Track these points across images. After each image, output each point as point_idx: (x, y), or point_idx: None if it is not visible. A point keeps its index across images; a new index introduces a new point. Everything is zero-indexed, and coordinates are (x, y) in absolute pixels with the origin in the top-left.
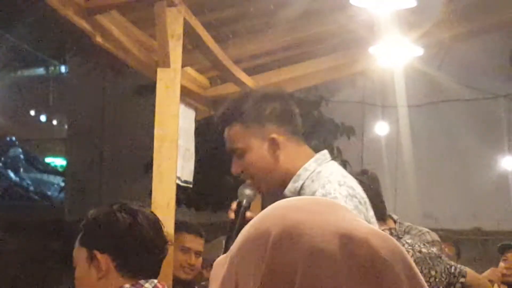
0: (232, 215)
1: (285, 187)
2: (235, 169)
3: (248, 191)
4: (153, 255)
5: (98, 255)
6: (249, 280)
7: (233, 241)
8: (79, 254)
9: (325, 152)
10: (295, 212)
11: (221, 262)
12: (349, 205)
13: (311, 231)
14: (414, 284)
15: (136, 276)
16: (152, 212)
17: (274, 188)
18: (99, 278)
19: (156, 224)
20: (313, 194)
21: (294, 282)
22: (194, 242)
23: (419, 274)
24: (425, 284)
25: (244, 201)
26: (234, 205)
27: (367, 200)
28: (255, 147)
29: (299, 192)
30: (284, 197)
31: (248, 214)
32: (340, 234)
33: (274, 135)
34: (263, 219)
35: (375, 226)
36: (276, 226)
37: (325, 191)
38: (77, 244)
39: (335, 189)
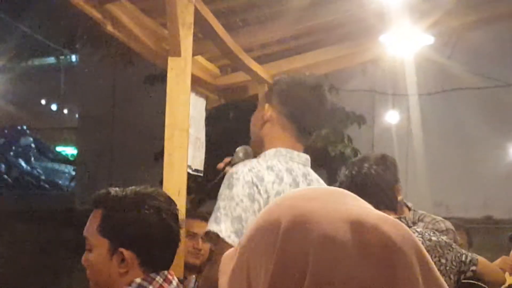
0: (220, 166)
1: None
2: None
3: (241, 154)
4: (174, 247)
5: (124, 252)
6: (260, 269)
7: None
8: (99, 243)
9: (293, 152)
10: (305, 201)
11: (230, 255)
12: (244, 190)
13: (321, 219)
14: (425, 270)
15: (156, 269)
16: (168, 198)
17: (256, 149)
18: (121, 272)
19: (176, 215)
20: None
21: (306, 270)
22: (199, 227)
23: (430, 259)
24: (436, 269)
25: (234, 158)
26: (227, 160)
27: (277, 194)
28: (258, 112)
29: None
30: None
31: (225, 169)
32: (350, 221)
33: (267, 105)
34: (273, 209)
35: None
36: (286, 216)
37: (234, 170)
38: (95, 231)
39: (243, 171)
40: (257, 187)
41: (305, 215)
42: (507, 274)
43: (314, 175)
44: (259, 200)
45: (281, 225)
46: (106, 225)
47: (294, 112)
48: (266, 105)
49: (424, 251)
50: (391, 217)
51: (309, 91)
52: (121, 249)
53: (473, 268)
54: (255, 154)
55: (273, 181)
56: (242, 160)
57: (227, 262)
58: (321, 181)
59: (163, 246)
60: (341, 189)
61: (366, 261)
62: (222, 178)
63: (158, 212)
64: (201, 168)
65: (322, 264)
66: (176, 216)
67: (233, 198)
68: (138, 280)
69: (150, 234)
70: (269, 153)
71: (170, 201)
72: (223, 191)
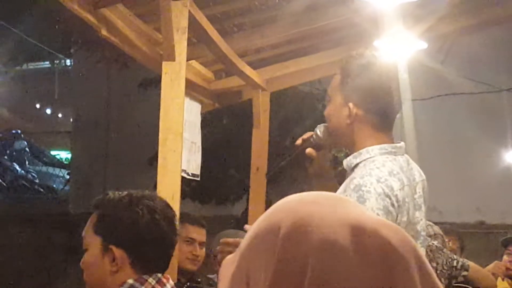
0: (299, 142)
1: (347, 153)
2: (325, 111)
3: (320, 131)
4: (167, 250)
5: (114, 250)
6: (260, 273)
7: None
8: (93, 241)
9: (397, 145)
10: (305, 205)
11: (230, 261)
12: (379, 203)
13: (321, 223)
14: (423, 274)
15: (148, 270)
16: (165, 202)
17: (335, 144)
18: (112, 271)
19: (171, 218)
20: (352, 179)
21: (306, 274)
22: (198, 233)
23: (429, 264)
24: (434, 274)
25: (314, 137)
26: (306, 135)
27: (407, 204)
28: (336, 103)
29: (352, 169)
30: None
31: (307, 150)
32: (350, 225)
33: (351, 104)
34: (272, 213)
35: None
36: (286, 219)
37: (362, 182)
38: (91, 230)
39: (372, 183)
40: (389, 198)
41: (304, 219)
42: (499, 279)
43: (412, 163)
44: (392, 212)
45: (281, 229)
46: (100, 223)
47: (381, 106)
48: (351, 105)
49: (423, 255)
50: (390, 222)
51: (388, 78)
52: (112, 246)
53: (465, 273)
54: (337, 144)
55: (399, 187)
56: (321, 138)
57: (228, 267)
58: (418, 168)
59: (155, 248)
60: (340, 196)
61: (366, 265)
62: (297, 155)
63: (151, 214)
64: (198, 172)
65: (322, 268)
66: (170, 220)
67: None
68: (130, 281)
69: (141, 234)
70: (372, 150)
71: (166, 205)
72: None
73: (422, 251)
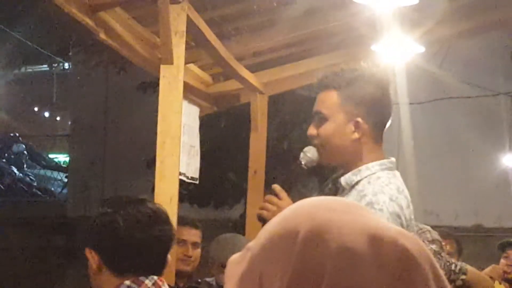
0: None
1: (343, 171)
2: (310, 131)
3: (309, 155)
4: (152, 254)
5: (88, 252)
6: (275, 278)
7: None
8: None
9: (392, 160)
10: (323, 211)
11: (236, 260)
12: (389, 221)
13: (340, 230)
14: (439, 283)
15: (123, 272)
16: (154, 208)
17: (333, 163)
18: (93, 274)
19: (159, 224)
20: (363, 196)
21: (323, 281)
22: (189, 234)
23: (443, 275)
24: (448, 284)
25: (303, 162)
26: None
27: (411, 222)
28: (338, 121)
29: (353, 186)
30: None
31: None
32: (369, 233)
33: (359, 119)
34: (290, 217)
35: None
36: (304, 225)
37: (375, 200)
38: None
39: (385, 202)
40: (400, 218)
41: (324, 225)
42: (496, 282)
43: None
44: None
45: (299, 234)
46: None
47: (384, 119)
48: (360, 120)
49: (437, 265)
50: (407, 232)
51: (388, 90)
52: (88, 249)
53: (463, 277)
54: (336, 163)
55: (406, 205)
56: (314, 161)
57: (233, 266)
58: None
59: (127, 251)
60: (358, 203)
61: (384, 274)
62: (293, 174)
63: (130, 220)
64: (197, 175)
65: (340, 275)
66: (156, 225)
67: None
68: (127, 282)
69: (109, 237)
70: (373, 167)
71: (155, 211)
72: None
73: (436, 262)
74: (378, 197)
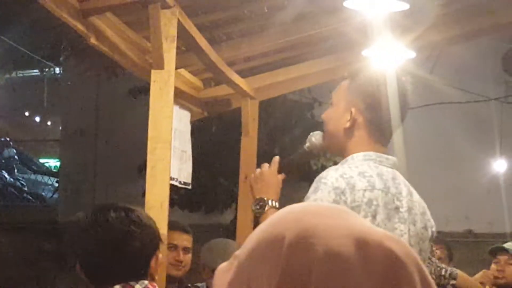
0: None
1: (335, 162)
2: (323, 114)
3: (313, 139)
4: (132, 260)
5: (77, 268)
6: (263, 283)
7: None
8: None
9: (382, 155)
10: (309, 216)
11: (224, 269)
12: (330, 196)
13: (326, 234)
14: (426, 286)
15: (102, 282)
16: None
17: (331, 151)
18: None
19: (140, 231)
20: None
21: (310, 285)
22: (180, 239)
23: (430, 277)
24: (435, 286)
25: (308, 144)
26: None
27: (373, 207)
28: (339, 108)
29: None
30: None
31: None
32: (355, 237)
33: (353, 109)
34: (276, 223)
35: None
36: (290, 230)
37: (324, 175)
38: None
39: (333, 176)
40: (344, 195)
41: (309, 229)
42: None
43: (401, 178)
44: None
45: (285, 239)
46: None
47: (382, 118)
48: (353, 110)
49: (424, 267)
50: (393, 235)
51: (394, 94)
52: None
53: (453, 282)
54: (330, 150)
55: (365, 188)
56: (317, 146)
57: (221, 275)
58: (407, 183)
59: (100, 260)
60: (344, 208)
61: (371, 277)
62: (299, 154)
63: (107, 228)
64: (189, 180)
65: (327, 279)
66: (137, 232)
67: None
68: (117, 286)
69: (84, 247)
70: (357, 156)
71: (138, 217)
72: (309, 194)
73: (423, 264)
74: (329, 172)
